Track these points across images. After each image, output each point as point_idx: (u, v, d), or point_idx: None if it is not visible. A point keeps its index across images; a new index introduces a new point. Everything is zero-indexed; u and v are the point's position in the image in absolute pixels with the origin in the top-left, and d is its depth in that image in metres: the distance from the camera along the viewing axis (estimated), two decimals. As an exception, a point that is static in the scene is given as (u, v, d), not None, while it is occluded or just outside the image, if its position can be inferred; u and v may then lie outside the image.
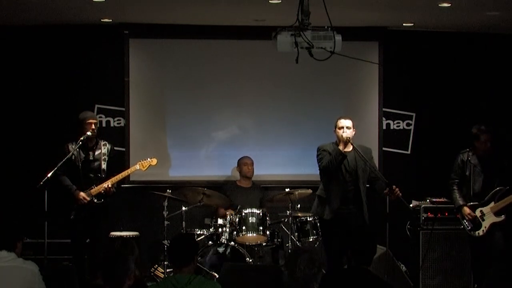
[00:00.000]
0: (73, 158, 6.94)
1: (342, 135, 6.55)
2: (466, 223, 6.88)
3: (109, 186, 6.95)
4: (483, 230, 6.81)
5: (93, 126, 6.98)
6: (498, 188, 6.82)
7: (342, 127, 6.58)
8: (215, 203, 7.73)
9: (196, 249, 4.57)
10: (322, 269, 4.27)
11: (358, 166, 6.60)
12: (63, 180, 6.93)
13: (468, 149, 6.96)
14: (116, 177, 7.05)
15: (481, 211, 6.83)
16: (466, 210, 6.86)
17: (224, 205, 7.79)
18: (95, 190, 6.96)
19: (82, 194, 6.90)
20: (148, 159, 7.35)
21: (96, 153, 7.08)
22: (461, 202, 6.91)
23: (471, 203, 6.89)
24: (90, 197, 6.93)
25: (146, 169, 7.34)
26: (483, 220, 6.81)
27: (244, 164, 8.06)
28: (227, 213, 7.53)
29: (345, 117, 6.65)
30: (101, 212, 7.06)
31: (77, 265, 6.97)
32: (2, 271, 4.39)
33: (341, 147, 6.54)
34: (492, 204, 6.81)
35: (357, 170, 6.59)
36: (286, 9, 6.10)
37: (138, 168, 7.27)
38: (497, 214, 6.79)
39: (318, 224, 7.28)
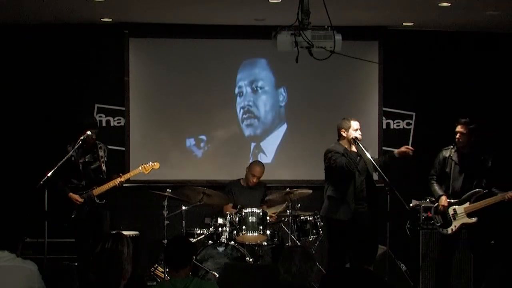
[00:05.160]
0: (73, 159, 6.97)
1: (356, 136, 6.60)
2: (437, 218, 6.80)
3: (121, 181, 7.05)
4: (452, 229, 6.74)
5: (94, 136, 7.02)
6: (476, 190, 6.72)
7: (358, 129, 6.65)
8: (215, 202, 7.72)
9: (193, 251, 4.57)
10: (316, 263, 4.31)
11: (366, 163, 6.67)
12: (57, 184, 6.91)
13: (452, 146, 6.90)
14: (125, 175, 7.13)
15: (454, 209, 6.74)
16: (444, 200, 6.74)
17: (226, 203, 7.78)
18: (97, 190, 7.01)
19: (73, 196, 6.94)
20: (150, 163, 7.33)
21: (95, 155, 7.12)
22: (440, 192, 6.82)
23: (448, 200, 6.80)
24: (91, 197, 6.97)
25: (149, 172, 7.35)
26: (454, 219, 6.73)
27: (252, 175, 7.85)
28: (229, 211, 7.52)
29: (354, 119, 6.73)
30: (103, 212, 7.10)
31: (81, 264, 6.98)
32: (1, 271, 4.39)
33: (353, 148, 6.63)
34: (467, 204, 6.73)
35: (367, 167, 6.66)
36: (286, 8, 6.10)
37: (140, 170, 7.27)
38: (470, 215, 6.71)
39: (319, 224, 7.31)
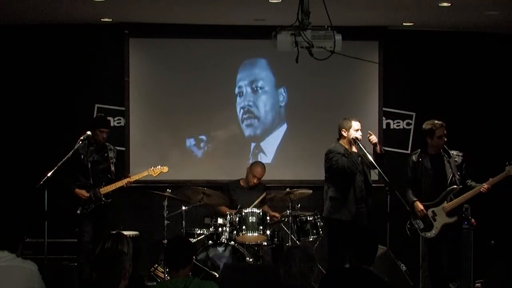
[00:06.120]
0: (82, 157, 7.01)
1: (356, 136, 6.60)
2: (418, 222, 6.75)
3: (129, 181, 7.12)
4: (434, 232, 6.70)
5: (104, 135, 7.07)
6: (450, 188, 6.65)
7: (358, 129, 6.65)
8: (215, 202, 7.72)
9: (193, 251, 4.57)
10: (317, 263, 4.29)
11: (363, 164, 6.68)
12: (63, 180, 6.95)
13: (419, 150, 6.86)
14: (133, 177, 7.18)
15: (433, 211, 6.69)
16: (419, 205, 6.69)
17: (225, 203, 7.78)
18: (104, 189, 7.03)
19: (79, 191, 6.97)
20: (159, 166, 7.36)
21: (105, 155, 7.15)
22: (414, 198, 6.76)
23: (423, 203, 6.74)
24: (98, 196, 6.99)
25: (157, 175, 7.38)
26: (435, 220, 6.68)
27: (252, 176, 7.87)
28: (227, 212, 7.51)
29: (355, 119, 6.73)
30: (108, 212, 7.14)
31: (84, 262, 6.97)
32: (1, 271, 4.39)
33: (354, 149, 6.63)
34: (444, 204, 6.67)
35: (364, 168, 6.66)
36: (286, 8, 6.11)
37: (149, 173, 7.30)
38: (449, 214, 6.66)
39: (319, 224, 7.31)
